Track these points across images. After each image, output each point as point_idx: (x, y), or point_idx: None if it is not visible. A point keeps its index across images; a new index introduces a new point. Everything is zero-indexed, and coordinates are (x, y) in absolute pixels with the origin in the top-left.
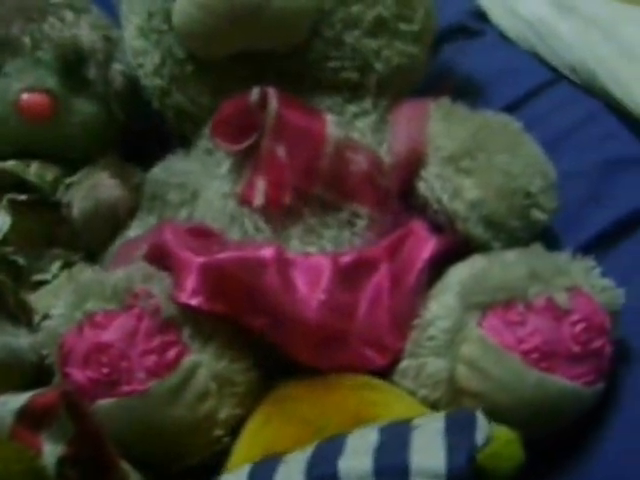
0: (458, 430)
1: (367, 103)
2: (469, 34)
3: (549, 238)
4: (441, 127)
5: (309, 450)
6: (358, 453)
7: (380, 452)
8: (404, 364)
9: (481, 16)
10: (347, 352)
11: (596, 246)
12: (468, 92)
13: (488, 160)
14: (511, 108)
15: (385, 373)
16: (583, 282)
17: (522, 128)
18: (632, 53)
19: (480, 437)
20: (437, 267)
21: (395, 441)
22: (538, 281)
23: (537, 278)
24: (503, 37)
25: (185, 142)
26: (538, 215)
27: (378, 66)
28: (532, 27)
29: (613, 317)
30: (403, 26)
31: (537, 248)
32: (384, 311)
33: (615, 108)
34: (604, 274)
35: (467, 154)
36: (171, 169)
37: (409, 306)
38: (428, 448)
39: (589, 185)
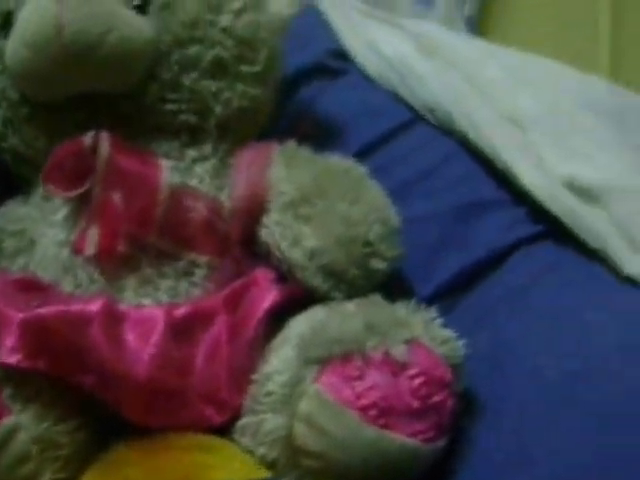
0: None
1: (207, 147)
2: (331, 73)
3: (399, 284)
4: (283, 172)
5: None
6: None
7: None
8: (243, 421)
9: (344, 55)
10: (183, 410)
11: (450, 291)
12: (326, 133)
13: (328, 207)
14: (369, 149)
15: (225, 430)
16: (423, 334)
17: (366, 173)
18: (488, 95)
19: None
20: (282, 318)
21: None
22: (376, 333)
23: (375, 330)
24: (365, 77)
25: (26, 187)
26: (378, 264)
27: (218, 109)
28: (393, 67)
29: (455, 369)
30: (244, 67)
31: (376, 299)
32: (222, 365)
33: (471, 150)
34: (455, 320)
35: (307, 200)
36: (8, 215)
37: (248, 360)
38: None
39: (443, 229)
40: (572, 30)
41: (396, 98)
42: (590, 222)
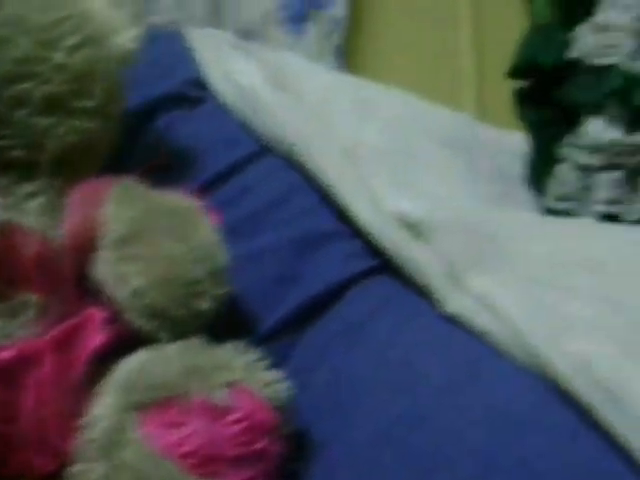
0: None
1: (40, 183)
2: (190, 103)
3: (240, 320)
4: (114, 209)
5: None
6: None
7: None
8: (74, 468)
9: (204, 85)
10: (9, 458)
11: (290, 326)
12: (180, 163)
13: (154, 245)
14: (220, 179)
15: (57, 478)
16: (246, 377)
17: (199, 209)
18: (332, 128)
19: None
20: (114, 360)
21: None
22: (197, 378)
23: (196, 374)
24: (223, 106)
25: None
26: (202, 303)
27: (50, 144)
28: (247, 97)
29: (281, 412)
30: (79, 102)
31: (198, 341)
32: (49, 410)
33: (314, 182)
34: (296, 357)
35: (134, 239)
36: None
37: (75, 404)
38: None
39: (284, 262)
40: (435, 59)
41: (249, 128)
42: (416, 258)
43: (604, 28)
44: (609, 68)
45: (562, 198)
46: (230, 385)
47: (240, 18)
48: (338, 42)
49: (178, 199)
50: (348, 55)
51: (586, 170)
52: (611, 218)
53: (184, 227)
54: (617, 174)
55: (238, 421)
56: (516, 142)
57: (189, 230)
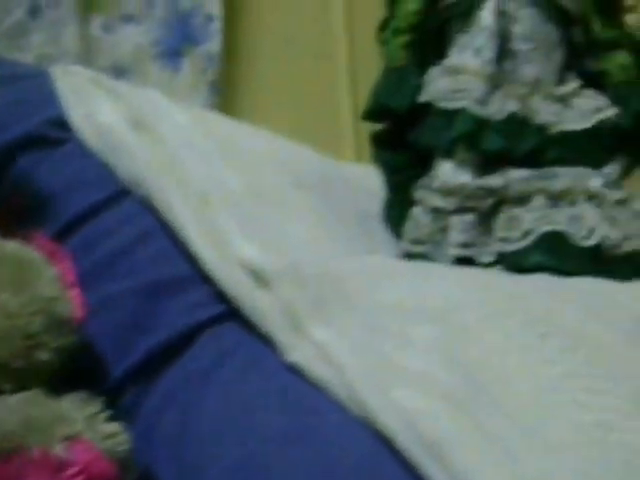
0: None
1: None
2: (50, 144)
3: (91, 367)
4: None
5: None
6: None
7: None
8: None
9: (66, 125)
10: None
11: (140, 373)
12: (37, 206)
13: None
14: (77, 222)
15: None
16: (85, 429)
17: (41, 260)
18: (187, 172)
19: None
20: None
21: None
22: (36, 431)
23: (35, 427)
24: (84, 147)
25: None
26: (42, 355)
27: None
28: (106, 138)
29: (122, 463)
30: None
31: (39, 393)
32: None
33: (170, 227)
34: (146, 404)
35: None
36: None
37: None
38: None
39: (136, 307)
40: (312, 93)
41: (110, 170)
42: (259, 306)
43: (455, 71)
44: (458, 112)
45: (417, 241)
46: (69, 438)
47: (113, 54)
48: (213, 77)
49: (21, 249)
50: (224, 90)
51: (439, 213)
52: (465, 261)
53: (24, 279)
54: (469, 217)
55: (76, 475)
56: None
57: (29, 282)
